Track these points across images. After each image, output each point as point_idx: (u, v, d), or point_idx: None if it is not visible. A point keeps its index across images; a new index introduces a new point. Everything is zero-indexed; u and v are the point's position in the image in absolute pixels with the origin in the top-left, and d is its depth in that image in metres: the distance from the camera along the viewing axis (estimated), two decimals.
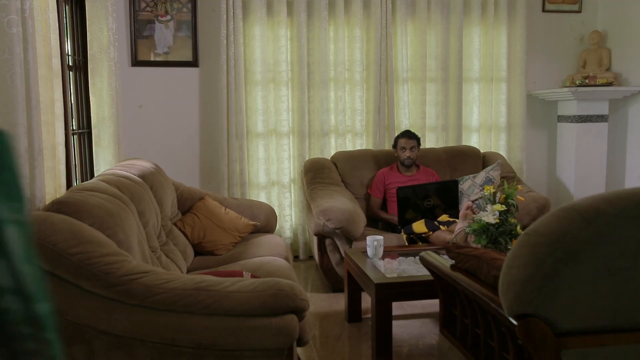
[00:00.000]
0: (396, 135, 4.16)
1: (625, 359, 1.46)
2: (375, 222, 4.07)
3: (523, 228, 2.81)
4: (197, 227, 3.25)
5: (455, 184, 3.92)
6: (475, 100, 4.76)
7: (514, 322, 1.45)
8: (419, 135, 4.64)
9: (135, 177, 2.83)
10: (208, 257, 3.19)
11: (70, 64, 3.24)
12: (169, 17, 4.29)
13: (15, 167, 0.74)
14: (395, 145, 4.08)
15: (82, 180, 3.36)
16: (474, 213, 3.10)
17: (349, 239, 3.57)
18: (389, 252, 3.15)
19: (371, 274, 2.75)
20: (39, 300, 0.74)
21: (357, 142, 4.59)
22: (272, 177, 4.50)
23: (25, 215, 0.75)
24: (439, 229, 3.54)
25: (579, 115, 4.63)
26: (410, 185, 3.82)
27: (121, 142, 3.51)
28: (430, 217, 3.68)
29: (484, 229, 2.75)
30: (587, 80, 4.56)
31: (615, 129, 4.81)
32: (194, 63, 4.37)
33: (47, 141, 2.38)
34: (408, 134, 4.04)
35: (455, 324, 2.14)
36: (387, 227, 4.00)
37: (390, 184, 4.01)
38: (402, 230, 3.64)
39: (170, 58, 4.33)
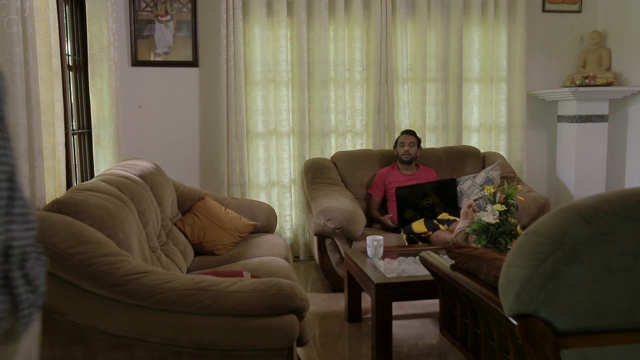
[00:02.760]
0: (397, 134, 4.23)
1: (625, 359, 1.46)
2: (375, 222, 4.07)
3: (523, 228, 2.81)
4: (197, 227, 3.25)
5: (453, 182, 3.93)
6: (475, 100, 4.76)
7: (514, 322, 1.45)
8: (420, 135, 4.65)
9: (135, 177, 2.83)
10: (208, 257, 3.19)
11: (70, 64, 3.24)
12: (169, 17, 4.29)
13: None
14: (395, 144, 4.13)
15: (82, 180, 3.36)
16: (474, 212, 3.10)
17: (349, 239, 3.57)
18: (389, 252, 3.15)
19: (371, 274, 2.75)
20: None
21: (357, 142, 4.59)
22: (272, 178, 4.50)
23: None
24: (439, 228, 3.53)
25: (579, 115, 4.63)
26: (408, 185, 3.84)
27: (121, 142, 3.51)
28: (430, 217, 3.68)
29: (484, 229, 2.75)
30: (587, 80, 4.56)
31: (615, 129, 4.81)
32: (194, 63, 4.37)
33: (47, 141, 2.38)
34: (407, 131, 4.13)
35: (455, 324, 2.14)
36: (386, 226, 4.00)
37: (390, 183, 4.02)
38: (402, 230, 3.64)
39: (170, 58, 4.33)
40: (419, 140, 4.11)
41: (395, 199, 3.70)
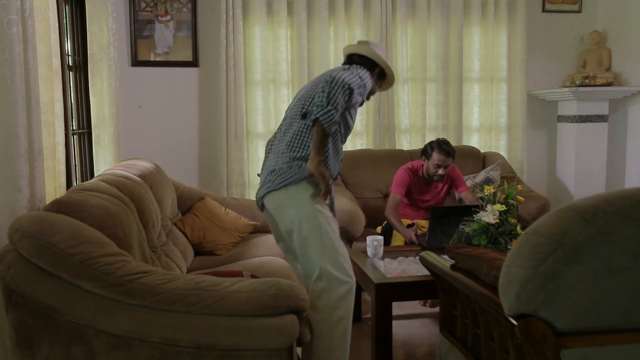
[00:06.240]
0: (429, 140, 3.70)
1: (625, 359, 1.46)
2: (375, 222, 4.05)
3: (523, 228, 2.81)
4: (197, 227, 3.25)
5: None
6: (475, 100, 4.75)
7: (514, 322, 1.45)
8: (420, 135, 4.64)
9: (135, 177, 2.83)
10: (208, 257, 3.18)
11: (70, 64, 3.24)
12: (169, 17, 4.29)
13: None
14: (425, 152, 3.63)
15: (82, 180, 3.36)
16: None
17: (349, 239, 3.57)
18: (389, 252, 3.15)
19: (371, 274, 2.75)
20: None
21: (357, 142, 4.59)
22: None
23: None
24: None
25: (579, 115, 4.63)
26: (445, 206, 3.54)
27: (121, 142, 3.51)
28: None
29: (484, 229, 2.75)
30: (587, 80, 4.56)
31: (615, 129, 4.81)
32: (194, 63, 4.37)
33: (47, 141, 2.38)
34: (448, 152, 3.53)
35: (455, 324, 2.14)
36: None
37: (414, 191, 3.73)
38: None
39: (170, 58, 4.33)
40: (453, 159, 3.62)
41: (429, 219, 3.19)
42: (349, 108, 2.35)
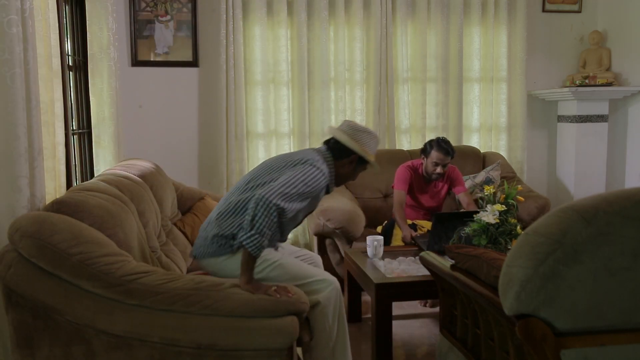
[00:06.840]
0: (429, 139, 3.72)
1: (625, 359, 1.46)
2: (375, 222, 4.05)
3: (523, 228, 2.81)
4: (197, 227, 3.25)
5: None
6: (475, 101, 4.75)
7: (514, 322, 1.45)
8: (420, 135, 4.64)
9: (135, 177, 2.83)
10: None
11: (70, 64, 3.24)
12: (169, 17, 4.29)
13: None
14: (425, 150, 3.65)
15: (82, 180, 3.36)
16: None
17: (349, 239, 3.57)
18: (389, 252, 3.15)
19: (371, 274, 2.75)
20: None
21: None
22: None
23: None
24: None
25: (579, 115, 4.63)
26: (448, 213, 3.51)
27: (121, 142, 3.51)
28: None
29: (484, 229, 2.75)
30: (587, 80, 4.56)
31: (615, 129, 4.81)
32: (194, 63, 4.37)
33: (47, 141, 2.38)
34: (447, 151, 3.55)
35: (455, 324, 2.14)
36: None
37: (415, 189, 3.74)
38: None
39: (170, 58, 4.33)
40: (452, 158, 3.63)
41: (432, 224, 3.17)
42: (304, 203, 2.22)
